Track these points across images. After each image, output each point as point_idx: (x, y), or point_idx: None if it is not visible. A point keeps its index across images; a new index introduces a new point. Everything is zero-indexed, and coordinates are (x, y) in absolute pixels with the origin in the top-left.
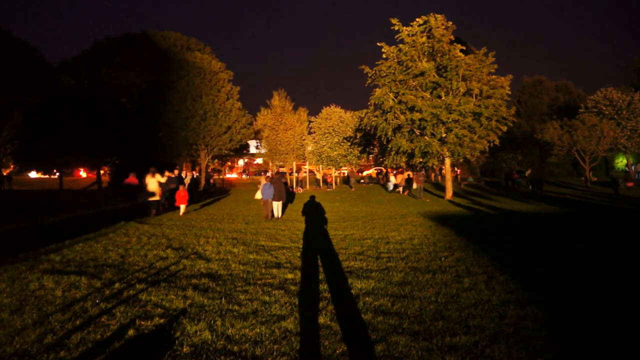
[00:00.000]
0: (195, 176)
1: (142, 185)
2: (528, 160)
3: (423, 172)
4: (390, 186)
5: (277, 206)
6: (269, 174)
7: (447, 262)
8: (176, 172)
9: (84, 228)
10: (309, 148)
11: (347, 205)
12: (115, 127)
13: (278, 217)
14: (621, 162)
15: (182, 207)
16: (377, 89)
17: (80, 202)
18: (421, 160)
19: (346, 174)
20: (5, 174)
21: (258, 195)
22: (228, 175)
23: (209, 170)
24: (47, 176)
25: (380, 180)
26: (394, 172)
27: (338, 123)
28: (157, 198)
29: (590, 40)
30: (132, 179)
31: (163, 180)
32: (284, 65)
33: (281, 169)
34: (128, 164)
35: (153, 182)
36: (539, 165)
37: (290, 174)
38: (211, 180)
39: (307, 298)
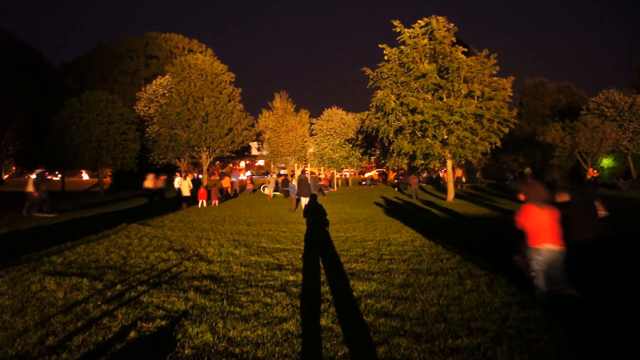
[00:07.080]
0: (195, 177)
1: (159, 187)
2: (530, 162)
3: (421, 174)
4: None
5: (304, 201)
6: (273, 176)
7: (448, 264)
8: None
9: (85, 230)
10: (311, 150)
11: (348, 207)
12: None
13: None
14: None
15: (201, 202)
16: (379, 91)
17: (79, 203)
18: (423, 162)
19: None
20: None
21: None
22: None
23: (226, 171)
24: (49, 177)
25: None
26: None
27: (340, 125)
28: (187, 194)
29: (593, 41)
30: (151, 182)
31: (190, 184)
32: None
33: (282, 171)
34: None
35: (185, 184)
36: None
37: (292, 175)
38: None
39: (308, 300)
